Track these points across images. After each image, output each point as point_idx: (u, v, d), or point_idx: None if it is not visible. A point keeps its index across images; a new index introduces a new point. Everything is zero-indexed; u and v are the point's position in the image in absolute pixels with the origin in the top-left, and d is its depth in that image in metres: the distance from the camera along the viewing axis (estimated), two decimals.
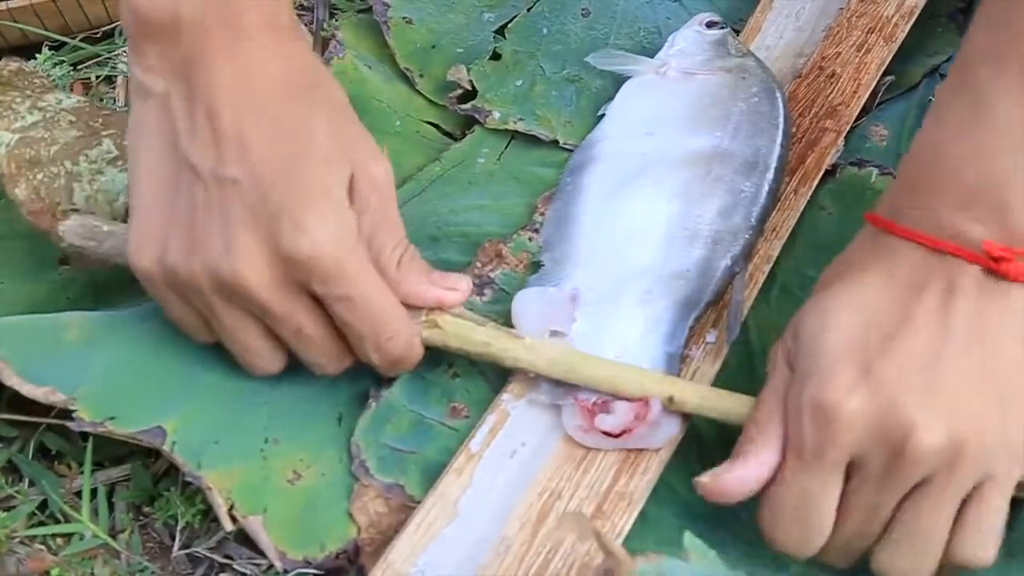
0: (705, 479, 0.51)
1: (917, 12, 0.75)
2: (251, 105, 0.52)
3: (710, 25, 0.73)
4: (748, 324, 0.61)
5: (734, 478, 0.50)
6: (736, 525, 0.54)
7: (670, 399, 0.54)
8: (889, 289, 0.50)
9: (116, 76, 0.80)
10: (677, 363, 0.57)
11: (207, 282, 0.52)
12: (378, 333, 0.54)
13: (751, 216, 0.62)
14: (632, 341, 0.58)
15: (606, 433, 0.54)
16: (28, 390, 0.57)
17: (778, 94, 0.68)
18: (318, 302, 0.53)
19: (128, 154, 0.55)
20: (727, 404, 0.54)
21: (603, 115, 0.70)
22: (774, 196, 0.64)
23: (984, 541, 0.48)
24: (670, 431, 0.55)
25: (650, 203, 0.63)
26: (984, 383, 0.48)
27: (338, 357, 0.56)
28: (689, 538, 0.49)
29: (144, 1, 0.52)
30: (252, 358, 0.56)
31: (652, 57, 0.73)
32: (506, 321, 0.59)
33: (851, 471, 0.48)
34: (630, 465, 0.54)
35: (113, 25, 0.83)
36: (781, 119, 0.67)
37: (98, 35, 0.82)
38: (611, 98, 0.72)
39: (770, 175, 0.64)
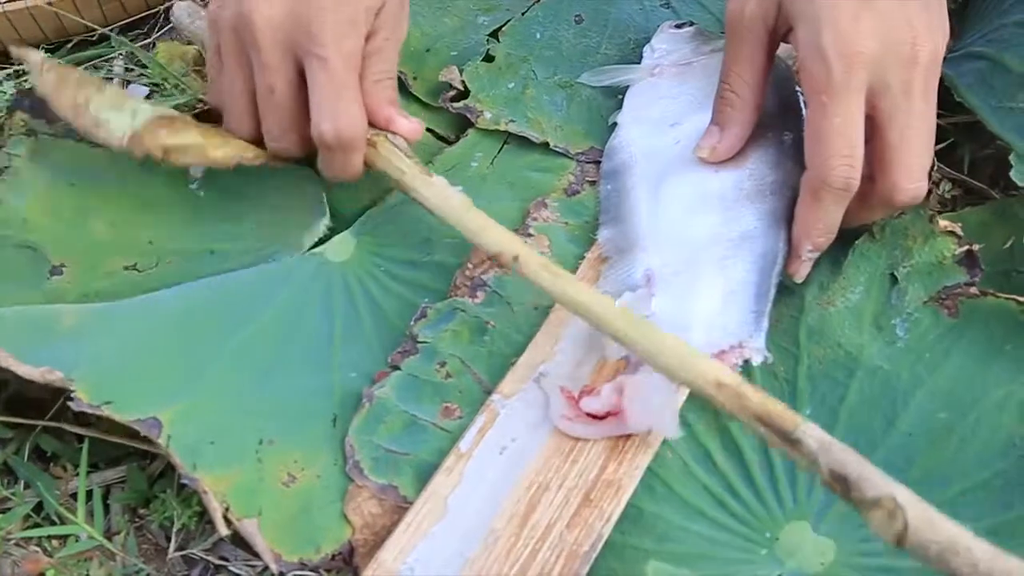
0: (703, 154, 0.63)
1: None
2: None
3: (678, 27, 0.74)
4: None
5: (728, 145, 0.62)
6: (726, 516, 0.55)
7: (515, 257, 0.57)
8: None
9: (112, 79, 0.81)
10: (765, 320, 0.58)
11: (230, 18, 0.62)
12: (339, 104, 0.61)
13: (801, 159, 0.61)
14: (716, 306, 0.58)
15: (591, 415, 0.55)
16: (25, 371, 0.57)
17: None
18: (298, 79, 0.62)
19: None
20: (566, 285, 0.56)
21: (615, 123, 0.70)
22: None
23: None
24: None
25: (700, 178, 0.63)
26: None
27: (292, 129, 0.63)
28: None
29: None
30: (232, 109, 0.65)
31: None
32: (506, 320, 0.60)
33: (870, 95, 0.56)
34: (618, 453, 0.55)
35: (109, 27, 0.83)
36: (787, 72, 0.67)
37: (94, 38, 0.83)
38: (602, 104, 0.72)
39: (804, 115, 0.64)
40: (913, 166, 0.57)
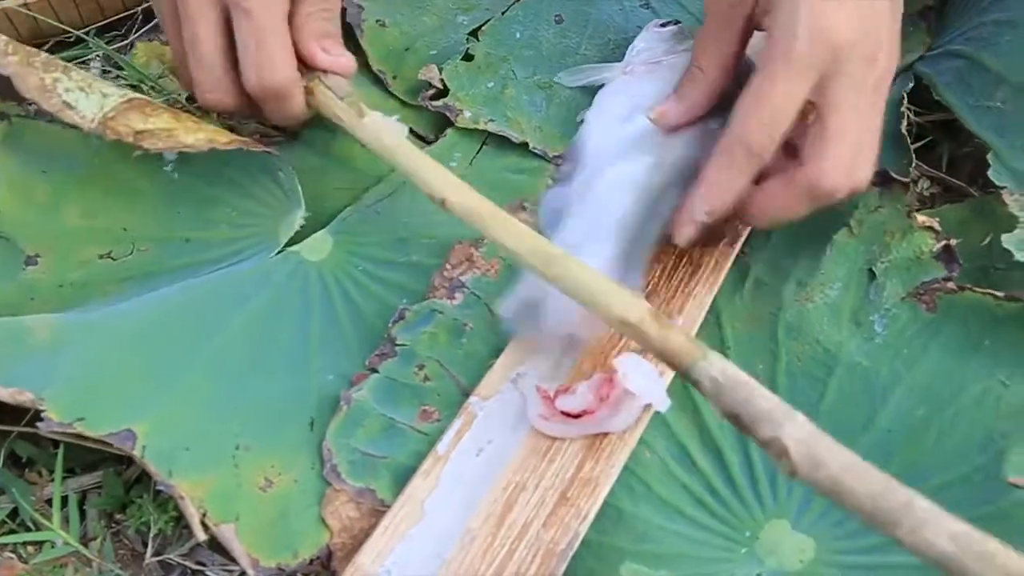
0: (652, 115, 0.63)
1: None
2: None
3: (663, 25, 0.74)
4: (720, 316, 0.61)
5: (677, 112, 0.62)
6: (706, 515, 0.55)
7: (442, 201, 0.57)
8: None
9: None
10: (636, 283, 0.57)
11: None
12: (261, 53, 0.61)
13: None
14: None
15: (566, 414, 0.55)
16: None
17: (745, 59, 0.68)
18: (225, 28, 0.62)
19: None
20: (496, 226, 0.56)
21: (582, 120, 0.70)
22: None
23: None
24: (633, 414, 0.55)
25: (629, 164, 0.62)
26: None
27: (222, 81, 0.63)
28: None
29: None
30: (177, 68, 0.67)
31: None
32: (484, 322, 0.60)
33: (822, 80, 0.55)
34: (595, 451, 0.54)
35: (87, 28, 0.83)
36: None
37: (71, 40, 0.82)
38: (580, 105, 0.72)
39: None
40: (843, 157, 0.56)
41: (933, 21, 0.75)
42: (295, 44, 0.63)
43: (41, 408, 0.56)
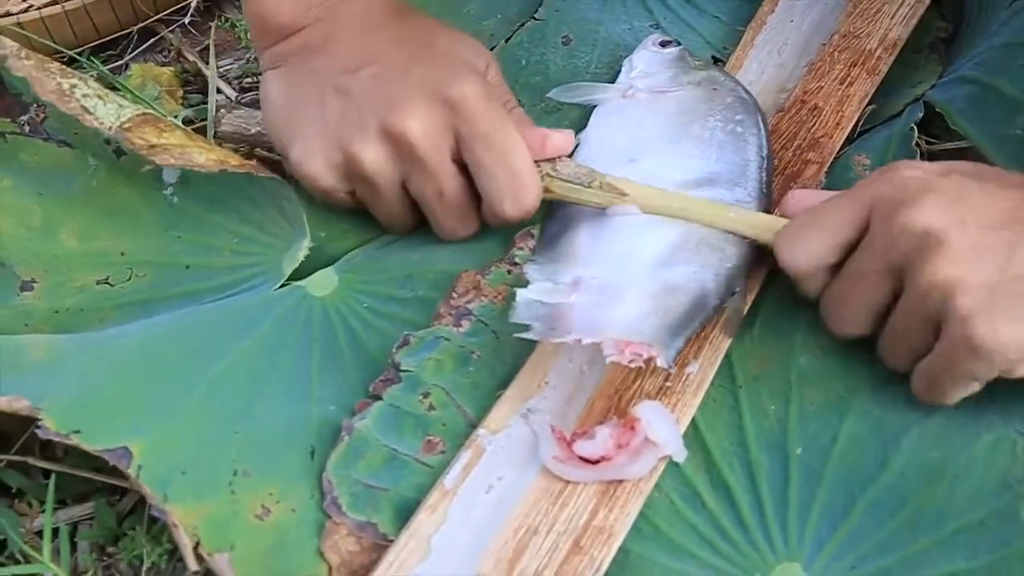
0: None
1: (901, 44, 0.74)
2: (370, 27, 0.65)
3: (663, 44, 0.73)
4: (730, 357, 0.60)
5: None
6: (715, 557, 0.53)
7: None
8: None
9: None
10: (681, 340, 0.56)
11: (371, 149, 0.62)
12: (516, 182, 0.62)
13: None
14: (637, 315, 0.56)
15: (584, 459, 0.53)
16: None
17: (750, 100, 0.69)
18: (461, 171, 0.62)
19: (265, 108, 0.66)
20: None
21: (578, 144, 0.68)
22: (768, 201, 0.65)
23: None
24: (651, 462, 0.53)
25: (649, 224, 0.62)
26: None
27: (468, 218, 0.64)
28: None
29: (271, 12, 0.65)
30: (392, 222, 0.66)
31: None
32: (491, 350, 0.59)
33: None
34: (609, 498, 0.53)
35: (81, 48, 0.81)
36: (761, 127, 0.67)
37: (65, 60, 0.81)
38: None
39: (764, 181, 0.65)
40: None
41: (944, 53, 0.75)
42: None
43: (38, 417, 0.54)
